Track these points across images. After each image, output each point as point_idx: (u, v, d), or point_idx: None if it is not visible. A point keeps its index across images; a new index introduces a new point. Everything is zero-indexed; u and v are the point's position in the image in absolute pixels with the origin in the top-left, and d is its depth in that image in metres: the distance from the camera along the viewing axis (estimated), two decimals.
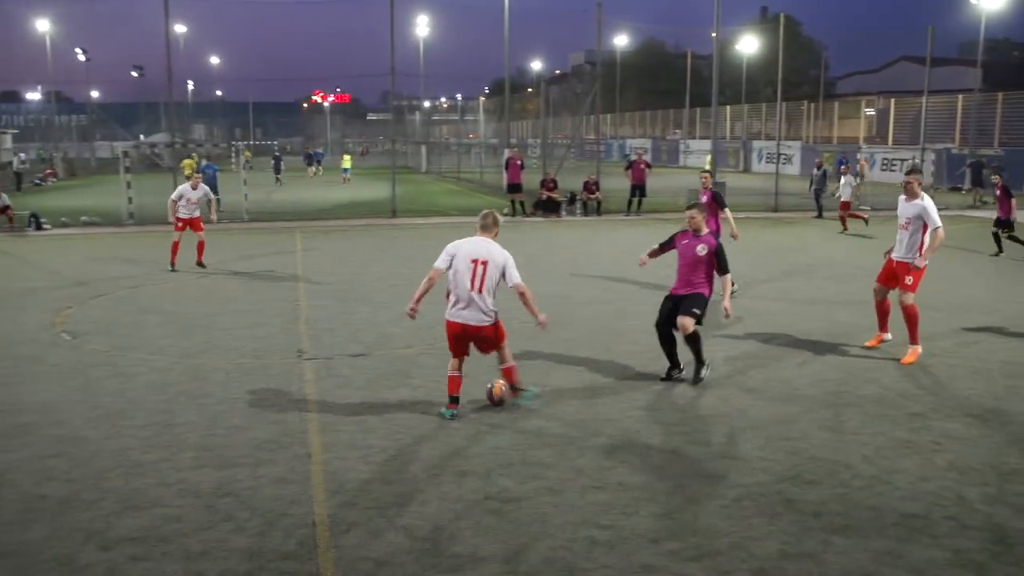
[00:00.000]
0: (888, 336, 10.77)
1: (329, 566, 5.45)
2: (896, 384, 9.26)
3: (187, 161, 41.20)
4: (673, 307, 9.25)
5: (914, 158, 35.46)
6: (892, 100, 48.88)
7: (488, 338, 8.25)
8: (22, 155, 50.02)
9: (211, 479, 6.79)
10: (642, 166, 28.18)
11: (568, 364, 10.11)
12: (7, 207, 24.72)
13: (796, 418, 8.18)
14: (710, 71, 37.64)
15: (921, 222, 10.10)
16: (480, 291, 8.05)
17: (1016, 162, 33.96)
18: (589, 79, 65.22)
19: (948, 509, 6.21)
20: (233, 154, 54.94)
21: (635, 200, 27.93)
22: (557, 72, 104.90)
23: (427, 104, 69.94)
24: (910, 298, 10.12)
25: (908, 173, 10.47)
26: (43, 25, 61.67)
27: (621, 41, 72.91)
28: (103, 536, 5.84)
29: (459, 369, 8.29)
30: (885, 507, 6.25)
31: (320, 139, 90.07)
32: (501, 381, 8.48)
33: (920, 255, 10.10)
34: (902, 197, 10.42)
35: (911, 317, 10.13)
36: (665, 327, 9.27)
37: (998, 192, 19.26)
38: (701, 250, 9.19)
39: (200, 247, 17.31)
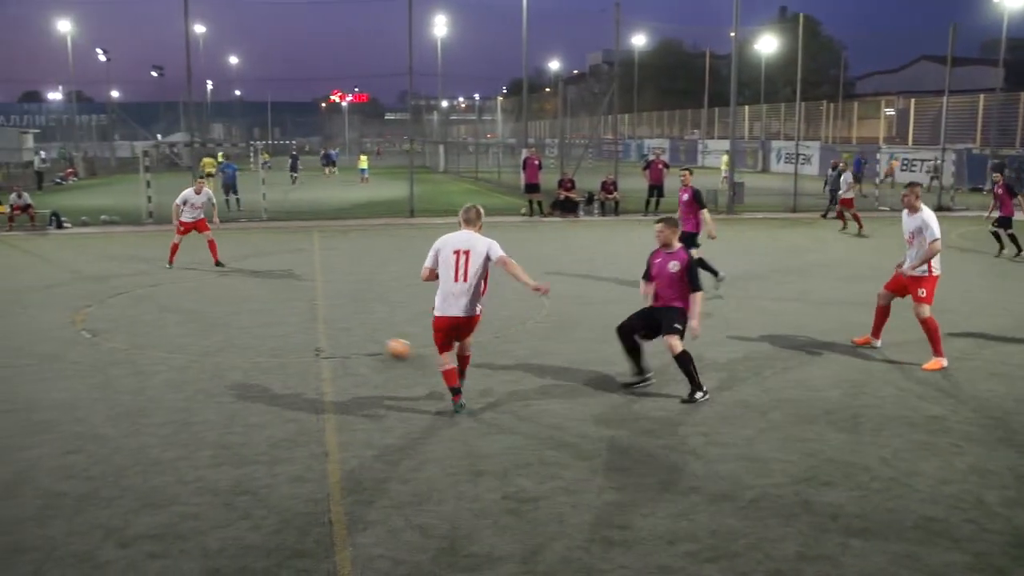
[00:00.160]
0: (877, 343, 10.66)
1: (346, 564, 5.46)
2: (915, 386, 9.20)
3: (207, 160, 41.44)
4: (647, 320, 8.93)
5: (937, 159, 35.18)
6: (912, 100, 48.55)
7: (471, 328, 8.32)
8: (42, 154, 50.37)
9: (229, 477, 6.82)
10: (660, 166, 28.10)
11: (584, 364, 10.09)
12: (29, 206, 24.91)
13: (813, 419, 8.14)
14: (728, 71, 37.55)
15: (924, 235, 9.99)
16: (465, 280, 8.07)
17: None
18: (607, 79, 65.14)
19: (968, 512, 6.16)
20: (251, 154, 55.29)
21: (653, 200, 27.86)
22: (575, 72, 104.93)
23: (445, 104, 69.99)
24: (926, 310, 9.97)
25: (907, 186, 10.38)
26: (64, 26, 62.16)
27: (639, 41, 72.69)
28: (121, 533, 5.88)
29: (450, 360, 8.32)
30: (904, 510, 6.21)
31: (338, 139, 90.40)
32: (397, 342, 9.10)
33: (929, 265, 9.99)
34: (904, 212, 10.31)
35: (931, 330, 9.98)
36: (629, 337, 8.97)
37: (1000, 191, 19.19)
38: (673, 267, 8.78)
39: (212, 247, 17.49)
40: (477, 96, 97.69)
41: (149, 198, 25.80)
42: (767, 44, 62.57)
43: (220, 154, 46.47)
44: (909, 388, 9.12)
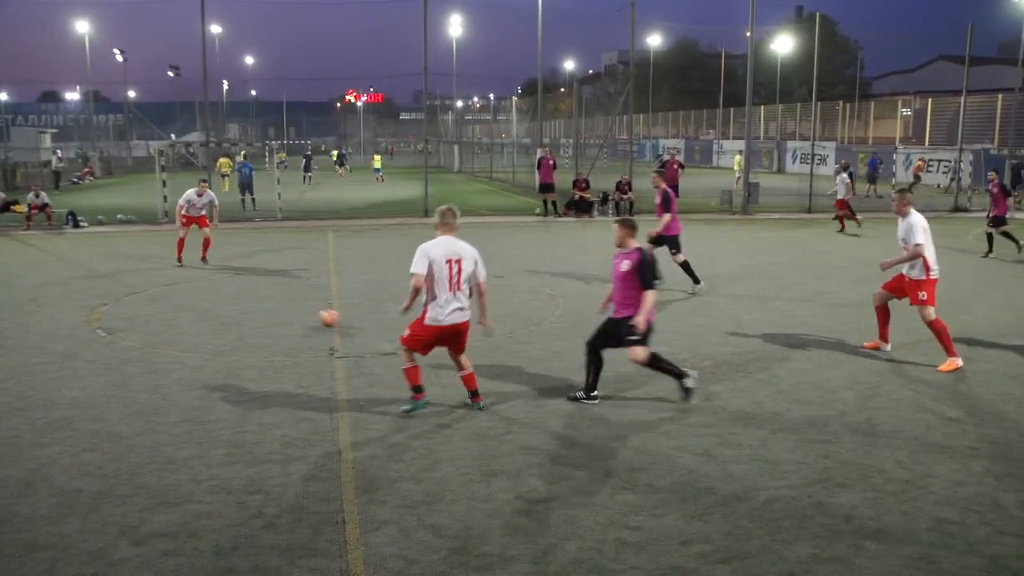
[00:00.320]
0: (887, 347, 10.60)
1: (359, 563, 5.47)
2: (930, 388, 9.14)
3: (223, 160, 41.60)
4: (606, 332, 8.74)
5: (955, 161, 34.96)
6: (929, 100, 48.30)
7: (465, 332, 8.26)
8: (59, 153, 50.69)
9: (242, 476, 6.84)
10: (675, 166, 28.04)
11: None
12: (46, 205, 25.08)
13: (828, 421, 8.10)
14: (744, 71, 37.40)
15: (907, 241, 10.00)
16: (459, 289, 8.06)
17: None
18: (622, 79, 65.02)
19: (984, 515, 6.12)
20: (267, 153, 55.47)
21: None
22: (590, 72, 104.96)
23: (460, 104, 69.99)
24: (931, 313, 9.93)
25: (896, 192, 10.42)
26: (82, 27, 62.60)
27: (654, 41, 72.58)
28: (136, 531, 5.91)
29: (416, 359, 8.28)
30: (918, 512, 6.17)
31: (353, 138, 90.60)
32: (328, 312, 9.88)
33: (925, 269, 9.98)
34: (899, 217, 10.26)
35: (939, 332, 9.95)
36: (597, 353, 8.75)
37: (994, 190, 19.11)
38: (624, 266, 8.55)
39: (205, 243, 17.94)
40: (492, 96, 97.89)
41: (165, 197, 25.91)
42: (783, 44, 62.39)
43: (242, 153, 46.65)
44: (924, 390, 9.07)
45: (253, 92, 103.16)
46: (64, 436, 7.76)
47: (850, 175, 27.17)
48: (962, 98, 32.76)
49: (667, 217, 14.42)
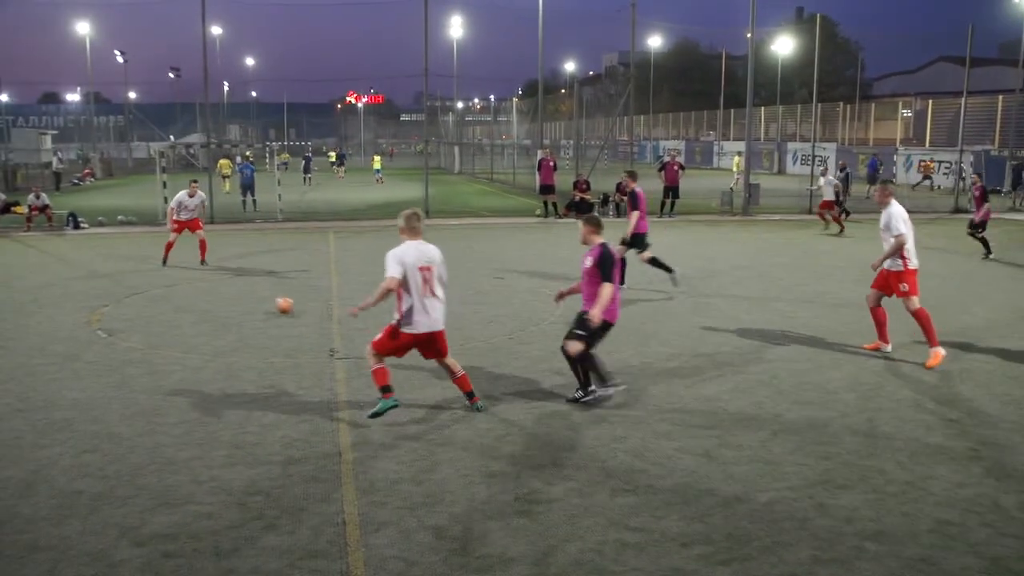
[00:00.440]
0: (888, 347, 10.61)
1: (359, 565, 5.47)
2: (931, 389, 9.14)
3: (224, 161, 41.62)
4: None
5: (957, 162, 34.94)
6: (930, 101, 48.29)
7: (441, 342, 8.16)
8: (60, 154, 50.72)
9: (243, 477, 6.84)
10: (675, 167, 28.04)
11: None
12: (46, 206, 25.09)
13: (828, 422, 8.10)
14: (744, 72, 37.41)
15: (890, 230, 10.14)
16: (433, 294, 8.00)
17: None
18: (622, 80, 65.03)
19: (984, 516, 6.11)
20: (267, 155, 55.49)
21: (668, 202, 27.82)
22: (590, 73, 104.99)
23: (460, 105, 70.01)
24: (915, 302, 10.10)
25: (880, 183, 10.82)
26: (83, 28, 62.64)
27: (655, 42, 72.65)
28: (137, 532, 5.91)
29: (384, 362, 8.17)
30: (919, 513, 6.17)
31: (354, 140, 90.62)
32: (283, 300, 10.15)
33: (903, 260, 10.12)
34: (881, 208, 10.45)
35: (922, 321, 10.09)
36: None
37: (976, 193, 19.20)
38: (587, 262, 8.61)
39: (202, 246, 17.97)
40: (492, 97, 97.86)
41: (165, 199, 25.84)
42: (783, 45, 62.43)
43: (247, 153, 46.66)
44: (925, 391, 9.07)
45: (254, 93, 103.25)
46: (65, 437, 7.76)
47: (847, 176, 27.25)
48: (963, 99, 32.76)
49: (636, 215, 14.59)
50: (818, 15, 34.06)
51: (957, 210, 29.65)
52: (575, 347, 8.49)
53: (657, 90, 77.01)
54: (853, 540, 5.77)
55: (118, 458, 7.26)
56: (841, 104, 55.72)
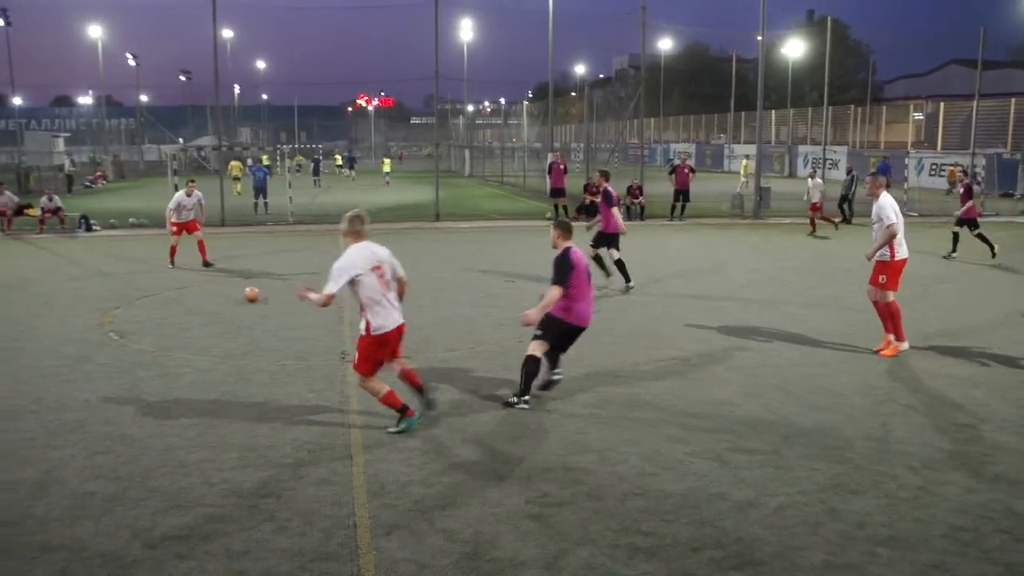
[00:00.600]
0: (905, 346, 10.64)
1: (370, 568, 5.47)
2: (944, 394, 9.09)
3: (234, 163, 41.76)
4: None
5: (963, 165, 34.80)
6: (941, 104, 48.08)
7: (401, 337, 8.09)
8: (72, 157, 50.98)
9: (253, 479, 6.85)
10: (686, 171, 27.98)
11: (608, 369, 10.06)
12: (59, 209, 25.24)
13: (840, 426, 8.07)
14: (755, 75, 37.33)
15: (881, 221, 10.44)
16: (389, 290, 7.97)
17: None
18: (633, 83, 64.97)
19: (999, 522, 6.08)
20: (277, 158, 55.65)
21: (679, 205, 27.77)
22: (601, 76, 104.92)
23: (471, 108, 70.10)
24: (888, 296, 10.48)
25: (870, 174, 11.32)
26: (95, 32, 62.97)
27: (665, 45, 72.50)
28: (149, 534, 5.92)
29: (384, 383, 8.02)
30: (932, 519, 6.14)
31: (364, 143, 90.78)
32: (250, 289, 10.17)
33: (890, 251, 10.46)
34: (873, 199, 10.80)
35: (892, 315, 10.50)
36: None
37: (961, 190, 19.20)
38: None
39: (201, 247, 18.03)
40: (503, 100, 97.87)
41: None
42: (794, 48, 62.25)
43: (264, 156, 46.84)
44: (938, 396, 9.02)
45: (265, 96, 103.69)
46: (77, 438, 7.79)
47: (853, 180, 27.19)
48: (974, 102, 32.63)
49: (616, 211, 15.08)
50: (829, 18, 34.07)
51: None
52: (530, 347, 8.60)
53: (667, 93, 76.81)
54: (865, 545, 5.74)
55: (130, 459, 7.28)
56: (852, 107, 55.57)
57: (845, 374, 9.83)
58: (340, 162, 60.45)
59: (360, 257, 7.89)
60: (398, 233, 24.89)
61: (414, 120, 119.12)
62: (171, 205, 18.07)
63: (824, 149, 33.60)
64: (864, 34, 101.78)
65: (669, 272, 17.16)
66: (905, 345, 10.50)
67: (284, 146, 68.69)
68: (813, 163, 33.36)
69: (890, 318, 10.58)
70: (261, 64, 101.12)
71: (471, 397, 8.89)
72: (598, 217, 15.62)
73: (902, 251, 10.50)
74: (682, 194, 27.70)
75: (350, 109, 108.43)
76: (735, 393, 9.09)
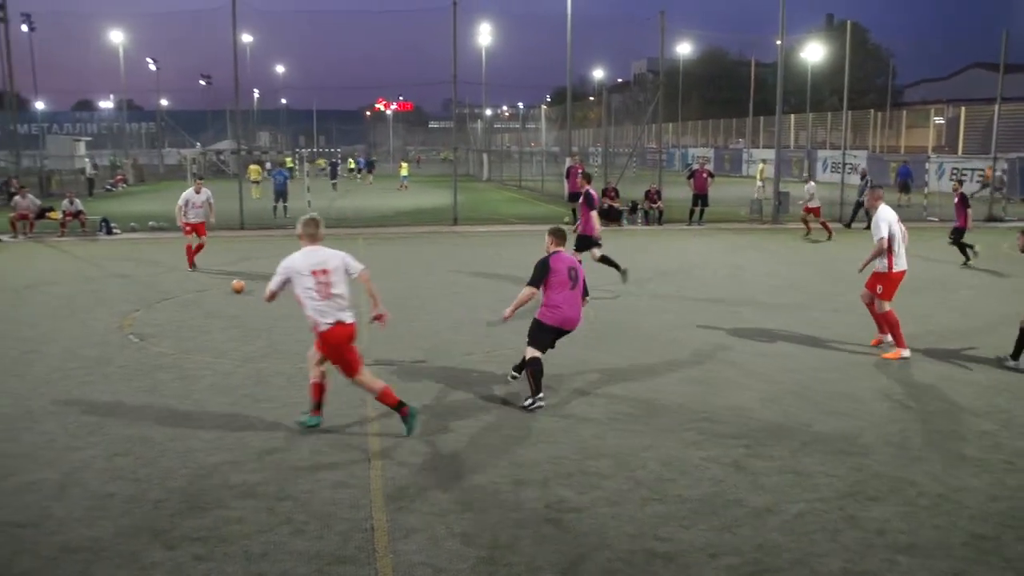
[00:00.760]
0: (906, 353, 10.67)
1: (387, 571, 5.48)
2: (965, 401, 9.02)
3: (253, 167, 41.99)
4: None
5: (981, 170, 34.56)
6: (963, 108, 47.76)
7: (354, 337, 8.01)
8: (93, 161, 51.40)
9: (272, 482, 6.88)
10: (704, 175, 27.91)
11: (625, 374, 10.04)
12: (80, 212, 25.46)
13: (860, 432, 8.02)
14: (774, 79, 37.22)
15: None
16: (331, 297, 7.90)
17: None
18: (651, 87, 64.98)
19: (1020, 530, 6.02)
20: (296, 162, 55.89)
21: (697, 209, 27.69)
22: (619, 80, 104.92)
23: (489, 112, 70.24)
24: (884, 306, 10.64)
25: (870, 187, 11.66)
26: (116, 37, 63.50)
27: (684, 49, 72.39)
28: (168, 535, 5.95)
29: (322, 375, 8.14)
30: (952, 527, 6.09)
31: (382, 147, 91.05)
32: (236, 282, 10.10)
33: (888, 262, 10.61)
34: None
35: (890, 324, 10.65)
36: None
37: (956, 200, 19.09)
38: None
39: (198, 249, 18.38)
40: (521, 104, 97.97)
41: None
42: (813, 52, 62.03)
43: (286, 160, 47.12)
44: (958, 402, 8.96)
45: (284, 101, 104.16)
46: (97, 440, 7.85)
47: (866, 184, 27.11)
48: (996, 106, 32.37)
49: (594, 214, 15.27)
50: (849, 22, 33.86)
51: (991, 218, 29.32)
52: (526, 351, 8.80)
53: (686, 97, 76.78)
54: (885, 553, 5.70)
55: (149, 461, 7.32)
56: (872, 111, 55.29)
57: (864, 380, 9.77)
58: (353, 165, 60.71)
59: (303, 258, 8.01)
60: (417, 237, 24.96)
61: (432, 124, 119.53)
62: (180, 203, 18.38)
63: (844, 154, 33.34)
64: (884, 38, 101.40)
65: (687, 276, 17.11)
66: (906, 352, 10.56)
67: (303, 150, 69.00)
68: (832, 167, 33.22)
69: (888, 327, 10.73)
70: (280, 69, 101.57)
71: (488, 401, 8.89)
72: (579, 222, 15.84)
73: (900, 263, 10.65)
74: (700, 199, 27.62)
75: (369, 113, 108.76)
76: (753, 398, 9.06)
